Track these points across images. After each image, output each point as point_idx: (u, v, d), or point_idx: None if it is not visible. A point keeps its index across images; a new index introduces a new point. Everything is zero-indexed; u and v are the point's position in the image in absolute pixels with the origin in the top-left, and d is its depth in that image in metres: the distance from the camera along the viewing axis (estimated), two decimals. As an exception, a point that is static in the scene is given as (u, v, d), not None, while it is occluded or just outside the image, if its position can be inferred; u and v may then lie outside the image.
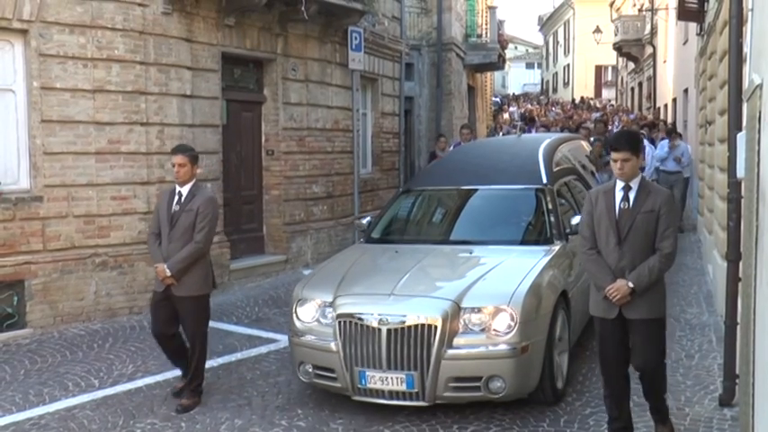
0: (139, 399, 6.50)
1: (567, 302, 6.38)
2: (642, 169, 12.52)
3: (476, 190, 7.74)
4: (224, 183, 10.87)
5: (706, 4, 11.53)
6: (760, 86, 4.12)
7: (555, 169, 7.92)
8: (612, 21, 34.74)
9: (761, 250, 4.09)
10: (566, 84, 55.18)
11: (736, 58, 5.74)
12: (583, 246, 5.17)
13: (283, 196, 12.04)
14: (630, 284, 4.89)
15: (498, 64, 25.42)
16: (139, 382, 6.92)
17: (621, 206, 4.97)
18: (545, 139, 8.95)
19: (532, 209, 7.41)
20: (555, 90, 57.80)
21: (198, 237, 6.14)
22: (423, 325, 5.50)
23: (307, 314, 6.12)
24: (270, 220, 12.05)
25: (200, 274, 6.22)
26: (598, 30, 34.66)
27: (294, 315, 6.20)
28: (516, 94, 55.11)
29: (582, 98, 44.54)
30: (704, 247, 11.42)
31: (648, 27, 29.77)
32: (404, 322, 5.53)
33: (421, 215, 8.03)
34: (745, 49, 5.62)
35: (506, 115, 33.93)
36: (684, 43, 19.11)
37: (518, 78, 66.10)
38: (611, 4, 38.99)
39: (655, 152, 14.69)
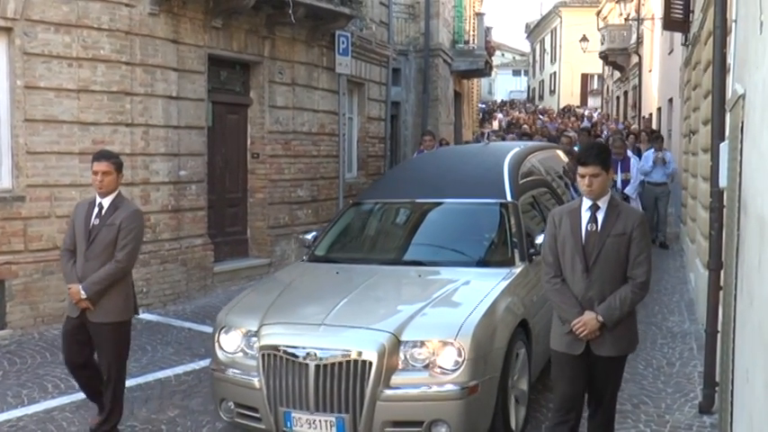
0: (119, 401, 6.44)
1: (527, 333, 5.63)
2: (627, 182, 12.31)
3: (432, 204, 6.99)
4: (209, 185, 10.84)
5: (691, 14, 11.62)
6: (742, 97, 4.15)
7: (522, 181, 7.16)
8: (599, 30, 34.89)
9: (742, 260, 4.12)
10: (552, 91, 55.37)
11: (720, 68, 5.79)
12: (546, 273, 4.64)
13: (268, 199, 12.02)
14: (600, 318, 4.39)
15: (485, 71, 25.51)
16: (120, 385, 6.86)
17: (588, 228, 4.47)
18: (513, 148, 8.16)
19: (494, 226, 6.62)
20: (541, 98, 57.98)
21: (120, 255, 5.37)
22: (355, 361, 4.81)
23: (230, 344, 5.38)
24: (254, 223, 12.02)
25: (120, 298, 5.46)
26: (585, 38, 34.80)
27: (216, 344, 5.45)
28: (504, 100, 55.27)
29: (567, 106, 44.67)
30: (687, 256, 11.49)
31: (634, 36, 29.95)
32: (334, 357, 4.84)
33: (370, 231, 7.25)
34: (729, 60, 5.66)
35: (495, 122, 33.92)
36: (670, 53, 19.23)
37: (505, 85, 66.29)
38: (598, 13, 39.17)
39: (639, 164, 13.75)
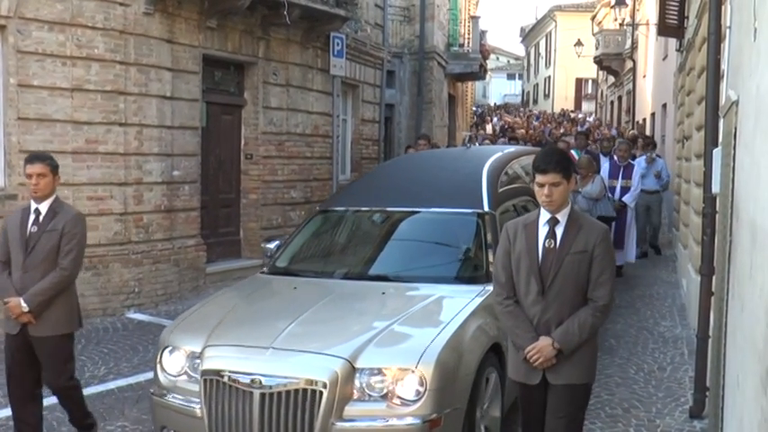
0: (111, 401, 6.44)
1: (500, 358, 5.09)
2: (627, 190, 11.65)
3: (403, 213, 6.45)
4: (202, 185, 10.82)
5: (686, 20, 11.65)
6: (736, 103, 4.16)
7: (502, 190, 6.63)
8: (594, 34, 35.01)
9: (734, 265, 4.13)
10: (546, 96, 55.49)
11: (714, 74, 5.80)
12: (497, 294, 4.16)
13: (261, 200, 12.00)
14: (556, 345, 3.96)
15: (479, 74, 25.53)
16: (111, 385, 6.85)
17: (546, 245, 4.03)
18: (494, 153, 7.63)
19: (468, 238, 6.11)
20: (535, 101, 58.10)
21: (64, 262, 5.03)
22: (305, 390, 4.32)
23: (173, 366, 4.88)
24: (247, 224, 12.00)
25: (64, 309, 5.12)
26: (579, 43, 34.92)
27: (158, 366, 4.95)
28: (498, 104, 55.34)
29: (561, 110, 44.76)
30: (679, 261, 11.52)
31: (629, 42, 30.03)
32: (281, 385, 4.35)
33: (335, 241, 6.71)
34: (723, 66, 5.68)
35: (489, 127, 33.86)
36: (664, 59, 19.29)
37: (499, 89, 66.37)
38: (593, 18, 39.30)
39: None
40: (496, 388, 5.07)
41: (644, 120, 25.82)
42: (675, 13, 12.15)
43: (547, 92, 55.48)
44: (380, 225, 6.64)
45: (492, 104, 54.24)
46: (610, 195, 10.98)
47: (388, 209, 6.57)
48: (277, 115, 12.26)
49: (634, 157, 14.15)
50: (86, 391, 6.54)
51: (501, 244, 4.21)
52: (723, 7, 5.77)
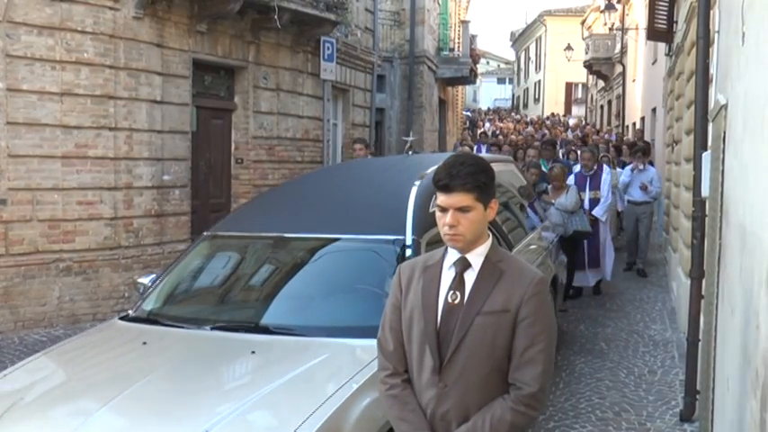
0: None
1: None
2: (597, 202, 10.44)
3: (304, 241, 5.14)
4: (192, 190, 10.79)
5: (675, 25, 11.70)
6: (725, 107, 4.18)
7: (435, 209, 4.85)
8: (583, 39, 35.12)
9: (723, 268, 4.15)
10: (536, 100, 55.62)
11: (703, 78, 5.82)
12: (382, 369, 2.88)
13: (252, 205, 11.97)
14: None
15: (470, 78, 25.60)
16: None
17: (449, 299, 2.72)
18: (438, 162, 5.79)
19: (381, 275, 4.63)
20: (525, 106, 58.22)
21: None
22: None
23: None
24: (238, 228, 11.95)
25: None
26: (569, 47, 34.99)
27: None
28: (490, 108, 55.43)
29: (552, 114, 44.83)
30: (669, 265, 11.55)
31: (618, 46, 30.14)
32: None
33: (216, 278, 5.34)
34: (712, 70, 5.71)
35: (480, 131, 33.63)
36: (653, 63, 19.37)
37: (489, 93, 66.51)
38: (583, 22, 39.42)
39: (615, 179, 12.12)
40: None
41: (633, 124, 25.91)
42: (664, 17, 12.20)
43: (537, 96, 55.60)
44: (272, 256, 5.27)
45: (485, 109, 54.27)
46: (586, 208, 10.16)
47: (286, 235, 5.18)
48: (267, 119, 12.25)
49: (623, 165, 13.78)
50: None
51: (391, 294, 2.90)
52: (712, 12, 5.80)
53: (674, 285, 10.06)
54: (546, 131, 30.61)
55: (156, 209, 10.01)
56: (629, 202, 12.19)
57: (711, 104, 5.49)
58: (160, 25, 10.00)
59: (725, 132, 4.14)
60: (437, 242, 4.56)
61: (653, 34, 13.41)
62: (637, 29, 24.18)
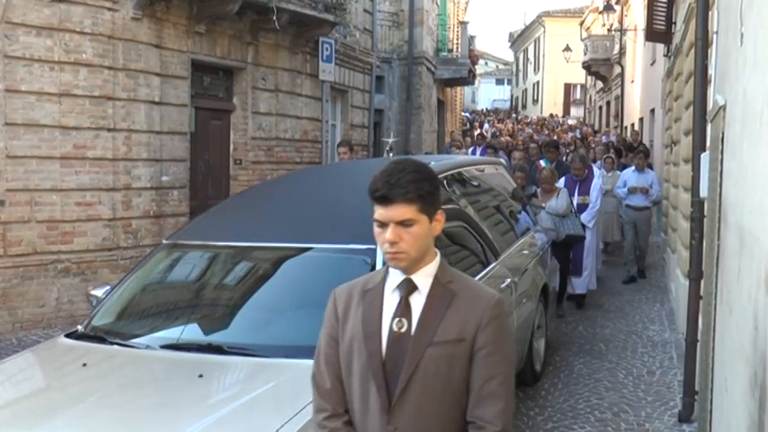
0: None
1: None
2: (585, 207, 9.88)
3: (269, 250, 4.73)
4: (191, 191, 10.79)
5: (673, 26, 11.71)
6: (723, 108, 4.18)
7: None
8: (582, 40, 35.11)
9: (722, 269, 4.15)
10: (535, 101, 55.61)
11: (702, 79, 5.83)
12: (318, 410, 2.49)
13: (250, 206, 11.96)
14: None
15: (468, 79, 25.62)
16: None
17: (394, 327, 2.35)
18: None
19: None
20: (524, 107, 58.21)
21: None
22: None
23: None
24: (236, 229, 11.95)
25: None
26: (568, 48, 35.00)
27: None
28: (488, 109, 55.42)
29: (551, 115, 44.82)
30: (667, 266, 11.55)
31: (617, 47, 30.14)
32: None
33: (171, 291, 4.92)
34: (710, 71, 5.71)
35: (477, 133, 33.54)
36: (652, 64, 19.38)
37: (488, 94, 66.51)
38: (581, 23, 39.42)
39: (611, 183, 12.07)
40: None
41: (632, 125, 25.91)
42: (663, 18, 12.21)
43: (536, 97, 55.60)
44: (234, 268, 4.87)
45: (484, 109, 54.27)
46: (583, 215, 9.72)
47: (250, 244, 4.80)
48: (266, 120, 12.26)
49: (622, 168, 13.28)
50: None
51: (325, 323, 2.51)
52: (710, 12, 5.80)
53: (672, 286, 10.06)
54: (547, 132, 30.56)
55: (154, 210, 10.01)
56: (627, 206, 11.74)
57: (710, 105, 5.49)
58: (159, 26, 10.00)
59: (723, 133, 4.14)
60: None
61: (651, 35, 13.42)
62: (635, 30, 24.19)
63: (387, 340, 2.36)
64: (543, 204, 9.17)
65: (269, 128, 12.32)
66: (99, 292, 4.99)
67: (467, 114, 39.36)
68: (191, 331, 4.31)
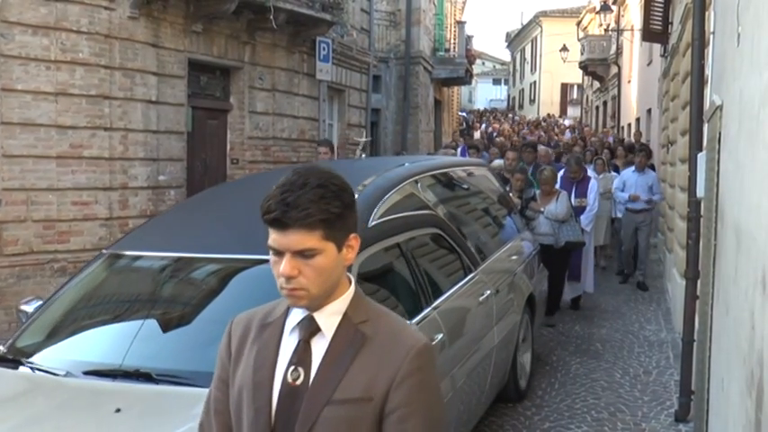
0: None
1: None
2: (582, 210, 9.50)
3: (213, 262, 4.20)
4: (188, 190, 10.77)
5: (670, 26, 11.73)
6: (720, 108, 4.19)
7: (376, 222, 4.36)
8: (579, 40, 35.13)
9: (718, 269, 4.15)
10: (532, 101, 55.64)
11: (698, 79, 5.84)
12: None
13: (247, 205, 11.95)
14: None
15: (465, 79, 25.64)
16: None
17: (288, 378, 1.89)
18: (389, 166, 5.51)
19: None
20: (521, 107, 58.24)
21: None
22: None
23: None
24: (233, 228, 11.94)
25: None
26: (565, 48, 35.01)
27: None
28: (486, 109, 55.40)
29: (548, 115, 44.83)
30: (664, 266, 11.56)
31: (614, 47, 30.18)
32: None
33: (104, 308, 4.32)
34: (707, 71, 5.72)
35: (477, 134, 33.35)
36: (648, 64, 19.40)
37: (485, 94, 66.54)
38: (578, 24, 39.45)
39: (609, 186, 11.57)
40: None
41: (629, 125, 25.93)
42: (660, 18, 12.23)
43: (532, 97, 55.63)
44: (177, 281, 4.31)
45: (480, 109, 54.25)
46: (581, 218, 9.35)
47: (194, 255, 4.23)
48: (263, 120, 12.25)
49: (616, 169, 12.90)
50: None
51: (217, 361, 2.07)
52: (707, 13, 5.81)
53: (669, 286, 10.07)
54: (542, 133, 30.50)
55: (151, 209, 9.99)
56: (627, 209, 11.08)
57: (707, 105, 5.50)
58: (155, 25, 9.99)
59: (720, 133, 4.15)
60: (376, 268, 4.12)
61: (648, 35, 13.43)
62: (632, 30, 24.21)
63: (279, 393, 1.87)
64: (542, 209, 8.68)
65: (266, 127, 12.31)
66: (29, 308, 4.41)
67: (464, 114, 39.30)
68: (119, 355, 3.71)
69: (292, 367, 1.87)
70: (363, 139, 6.85)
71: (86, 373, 3.61)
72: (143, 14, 9.76)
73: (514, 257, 6.62)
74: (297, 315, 1.91)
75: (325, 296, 1.88)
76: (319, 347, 1.88)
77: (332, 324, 1.89)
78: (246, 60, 11.81)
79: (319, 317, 1.88)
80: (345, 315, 1.90)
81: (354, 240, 1.91)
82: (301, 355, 1.88)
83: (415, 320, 4.04)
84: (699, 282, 5.43)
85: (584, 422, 5.90)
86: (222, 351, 2.04)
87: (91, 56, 9.17)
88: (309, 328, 1.89)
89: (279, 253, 1.83)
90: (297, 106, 13.13)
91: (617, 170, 12.79)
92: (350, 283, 1.95)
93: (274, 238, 1.83)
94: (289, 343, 1.91)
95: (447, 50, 23.47)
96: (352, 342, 1.87)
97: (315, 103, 13.68)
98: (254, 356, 1.93)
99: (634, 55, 24.78)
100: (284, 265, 1.81)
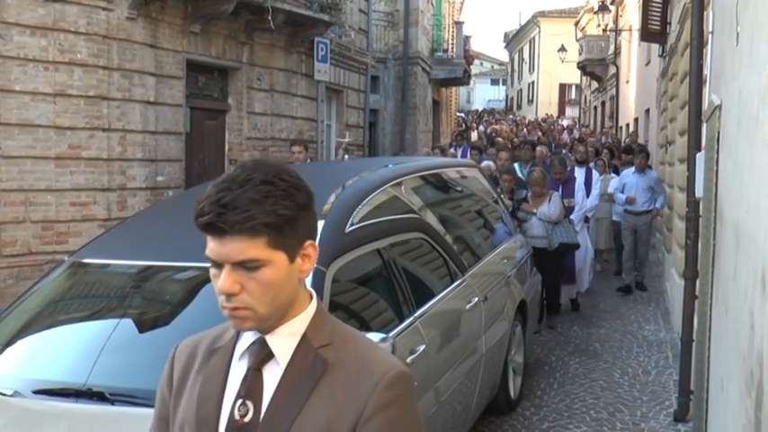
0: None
1: None
2: (571, 211, 9.23)
3: (182, 271, 3.88)
4: (186, 191, 10.77)
5: (668, 26, 11.74)
6: (719, 107, 4.19)
7: (357, 227, 4.10)
8: (577, 40, 35.15)
9: (717, 268, 4.15)
10: (530, 101, 55.64)
11: (697, 79, 5.84)
12: None
13: (246, 206, 11.95)
14: None
15: (464, 79, 25.64)
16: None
17: (235, 413, 1.55)
18: (373, 167, 5.32)
19: None
20: (519, 107, 58.24)
21: None
22: None
23: None
24: (232, 229, 11.94)
25: None
26: (563, 48, 35.03)
27: None
28: (485, 109, 55.38)
29: (547, 115, 44.82)
30: (663, 266, 11.57)
31: (612, 47, 30.21)
32: None
33: (64, 320, 3.97)
34: (705, 71, 5.72)
35: (474, 134, 33.17)
36: (647, 64, 19.41)
37: (483, 94, 66.53)
38: (576, 24, 39.47)
39: (607, 187, 11.21)
40: None
41: (627, 125, 25.95)
42: (658, 18, 12.25)
43: (531, 97, 55.63)
44: (141, 291, 3.96)
45: (480, 109, 54.22)
46: (572, 218, 9.04)
47: (161, 263, 3.92)
48: (261, 120, 12.25)
49: (616, 170, 12.65)
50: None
51: (158, 393, 1.74)
52: (705, 12, 5.81)
53: (667, 286, 10.07)
54: (541, 133, 30.45)
55: (149, 210, 9.99)
56: (626, 211, 10.66)
57: (705, 105, 5.51)
58: (154, 26, 9.98)
59: (719, 133, 4.15)
60: (353, 277, 3.88)
61: (646, 35, 13.45)
62: (630, 30, 24.24)
63: (225, 428, 1.57)
64: (534, 210, 8.43)
65: (264, 128, 12.31)
66: None
67: (462, 114, 39.25)
68: (72, 372, 3.41)
69: (240, 401, 1.56)
70: (345, 140, 6.56)
71: (36, 392, 3.30)
72: (141, 15, 9.75)
73: (505, 262, 6.38)
74: (248, 338, 1.60)
75: (278, 316, 1.55)
76: (272, 377, 1.56)
77: (287, 348, 1.56)
78: (245, 61, 11.81)
79: (272, 340, 1.56)
80: (304, 337, 1.58)
81: (312, 248, 1.58)
82: (250, 387, 1.56)
83: (395, 331, 3.82)
84: (698, 281, 5.43)
85: (583, 422, 5.89)
86: (163, 384, 1.71)
87: (89, 56, 9.17)
88: (260, 354, 1.57)
89: (218, 265, 1.51)
90: (295, 107, 13.13)
91: (616, 171, 12.53)
92: (310, 298, 1.63)
93: (211, 246, 1.50)
94: (237, 372, 1.60)
95: (445, 51, 23.46)
96: (311, 370, 1.55)
97: (313, 104, 13.68)
98: (199, 389, 1.62)
99: (632, 55, 24.80)
100: (222, 280, 1.49)
